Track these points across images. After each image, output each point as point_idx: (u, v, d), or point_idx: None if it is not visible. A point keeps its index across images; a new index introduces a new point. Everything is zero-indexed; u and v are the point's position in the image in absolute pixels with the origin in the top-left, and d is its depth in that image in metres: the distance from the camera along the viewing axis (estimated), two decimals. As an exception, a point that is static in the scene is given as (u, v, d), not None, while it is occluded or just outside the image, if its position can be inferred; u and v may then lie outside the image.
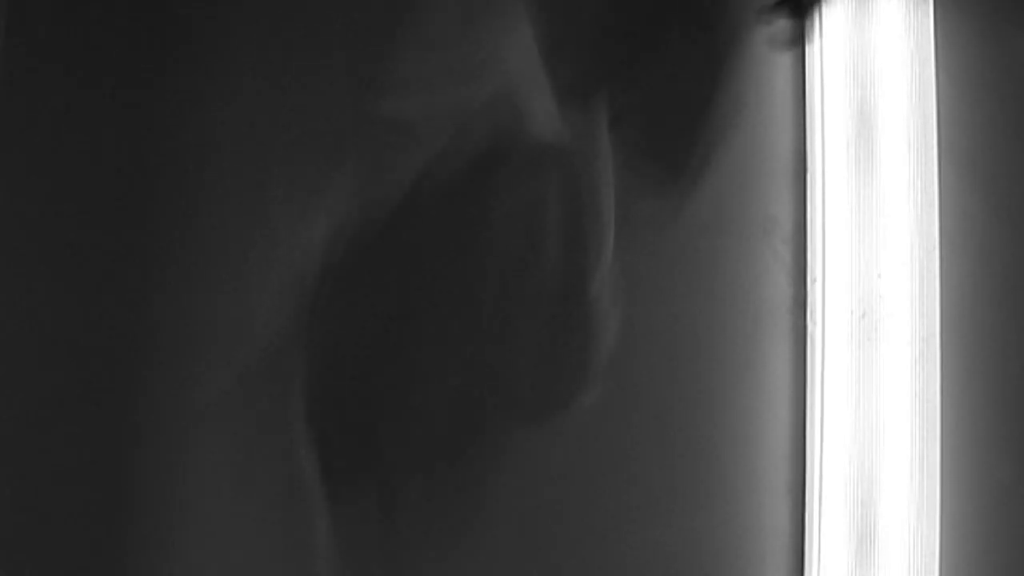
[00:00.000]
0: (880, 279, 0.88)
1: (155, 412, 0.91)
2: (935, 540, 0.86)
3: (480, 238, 0.93)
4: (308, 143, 0.94)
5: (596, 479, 0.91)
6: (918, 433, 0.87)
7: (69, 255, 0.93)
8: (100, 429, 0.91)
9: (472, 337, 0.92)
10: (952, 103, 0.92)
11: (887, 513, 0.86)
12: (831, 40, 0.91)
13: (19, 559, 0.90)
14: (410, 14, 0.95)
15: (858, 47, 0.90)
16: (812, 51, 0.93)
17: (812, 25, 0.92)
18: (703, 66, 0.94)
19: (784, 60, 0.94)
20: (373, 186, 0.93)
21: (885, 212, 0.89)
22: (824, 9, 0.91)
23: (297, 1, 0.96)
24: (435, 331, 0.92)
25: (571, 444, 0.91)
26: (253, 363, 0.91)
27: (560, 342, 0.92)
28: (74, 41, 0.95)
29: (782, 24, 0.94)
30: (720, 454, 0.91)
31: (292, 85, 0.94)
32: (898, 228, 0.88)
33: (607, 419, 0.91)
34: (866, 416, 0.87)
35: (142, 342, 0.92)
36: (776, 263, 0.93)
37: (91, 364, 0.91)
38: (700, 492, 0.91)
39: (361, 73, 0.94)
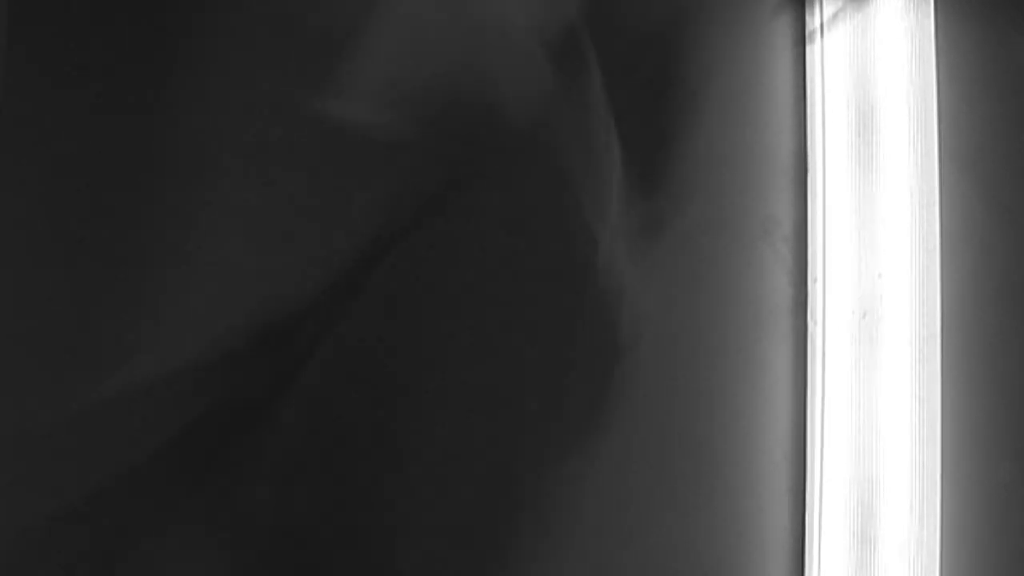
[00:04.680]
0: (881, 279, 0.88)
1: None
2: (935, 540, 0.86)
3: (477, 236, 0.93)
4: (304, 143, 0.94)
5: (596, 479, 0.91)
6: (918, 433, 0.87)
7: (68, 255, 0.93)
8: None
9: (472, 335, 0.92)
10: (953, 103, 0.92)
11: (887, 513, 0.86)
12: (831, 40, 0.91)
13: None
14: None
15: (859, 46, 0.91)
16: (812, 51, 0.93)
17: (814, 16, 0.92)
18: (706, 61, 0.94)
19: (784, 60, 0.94)
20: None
21: (886, 212, 0.89)
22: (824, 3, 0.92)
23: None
24: (431, 336, 0.92)
25: (571, 444, 0.91)
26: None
27: (559, 341, 0.92)
28: (75, 43, 0.95)
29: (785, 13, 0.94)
30: (720, 454, 0.91)
31: (291, 84, 0.94)
32: (899, 228, 0.88)
33: (607, 419, 0.91)
34: (866, 416, 0.87)
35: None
36: (777, 263, 0.92)
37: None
38: (700, 492, 0.91)
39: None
